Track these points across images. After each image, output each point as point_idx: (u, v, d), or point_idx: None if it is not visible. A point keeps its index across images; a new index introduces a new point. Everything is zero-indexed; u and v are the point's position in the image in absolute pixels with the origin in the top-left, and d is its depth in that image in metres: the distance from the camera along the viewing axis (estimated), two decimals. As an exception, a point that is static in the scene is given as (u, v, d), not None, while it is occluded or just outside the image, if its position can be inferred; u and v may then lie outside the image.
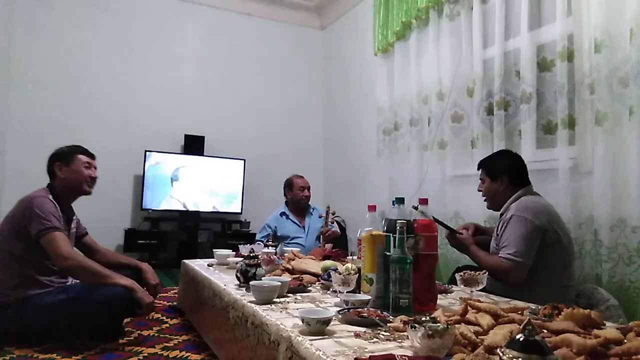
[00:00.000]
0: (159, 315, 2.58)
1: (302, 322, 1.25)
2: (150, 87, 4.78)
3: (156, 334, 2.25)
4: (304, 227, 3.61)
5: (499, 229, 2.12)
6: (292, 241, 3.47)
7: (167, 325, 2.43)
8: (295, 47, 5.56)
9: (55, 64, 4.41)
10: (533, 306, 1.43)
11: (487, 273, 1.67)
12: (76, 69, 4.49)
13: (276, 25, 5.45)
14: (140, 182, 4.49)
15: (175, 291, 2.98)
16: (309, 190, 3.65)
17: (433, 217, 1.69)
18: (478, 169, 2.34)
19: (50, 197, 2.18)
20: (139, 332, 2.26)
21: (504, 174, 2.19)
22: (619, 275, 2.15)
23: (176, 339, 2.20)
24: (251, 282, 1.67)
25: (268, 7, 5.40)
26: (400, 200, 1.63)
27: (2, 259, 2.12)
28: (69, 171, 2.26)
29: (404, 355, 0.98)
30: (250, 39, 5.31)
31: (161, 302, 2.85)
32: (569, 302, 1.98)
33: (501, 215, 2.19)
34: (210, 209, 4.81)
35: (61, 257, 2.04)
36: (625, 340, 0.96)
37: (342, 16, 5.26)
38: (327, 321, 1.25)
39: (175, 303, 2.83)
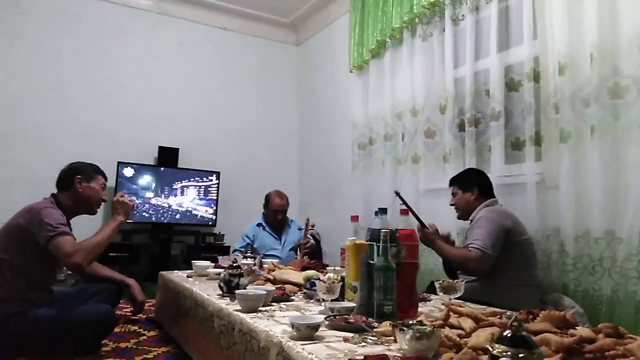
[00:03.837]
0: (136, 328, 2.54)
1: (292, 328, 1.28)
2: (124, 98, 4.73)
3: (134, 347, 2.22)
4: (280, 239, 3.64)
5: (468, 231, 2.35)
6: (269, 252, 3.49)
7: (145, 337, 2.39)
8: (271, 62, 5.62)
9: (28, 74, 4.31)
10: (509, 312, 1.51)
11: (464, 281, 1.77)
12: (50, 78, 4.40)
13: (252, 40, 5.51)
14: (112, 194, 4.40)
15: (151, 303, 2.94)
16: (283, 214, 3.68)
17: (409, 208, 1.81)
18: (450, 185, 2.56)
19: (56, 207, 2.18)
20: (116, 344, 2.22)
21: (474, 185, 2.44)
22: (584, 284, 2.27)
23: (155, 350, 2.17)
24: (237, 291, 1.69)
25: (244, 22, 5.45)
26: (383, 211, 1.70)
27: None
28: (88, 187, 2.28)
29: (396, 356, 1.03)
30: (225, 53, 5.34)
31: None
32: (534, 301, 2.16)
33: (471, 222, 2.40)
34: (183, 221, 4.77)
35: (68, 254, 2.02)
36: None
37: (317, 33, 5.37)
38: (316, 326, 1.29)
39: (152, 315, 2.79)
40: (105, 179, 2.40)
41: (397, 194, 2.16)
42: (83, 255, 2.05)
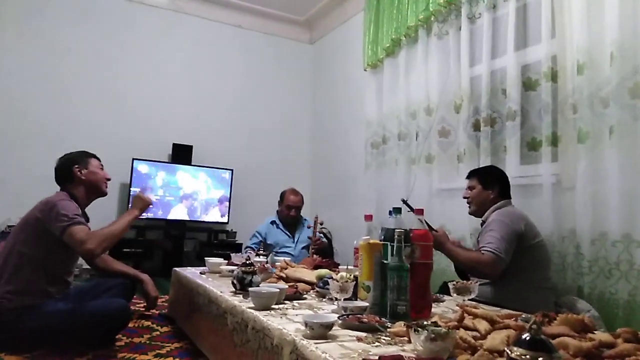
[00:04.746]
0: (149, 323, 2.56)
1: (306, 326, 1.28)
2: (139, 96, 4.78)
3: (147, 342, 2.23)
4: (293, 237, 3.65)
5: (480, 235, 2.28)
6: (281, 250, 3.50)
7: (158, 332, 2.41)
8: (285, 60, 5.63)
9: (44, 71, 4.38)
10: (524, 315, 1.49)
11: (477, 282, 1.75)
12: (65, 76, 4.47)
13: (266, 38, 5.52)
14: (126, 190, 4.46)
15: (164, 299, 2.96)
16: (297, 210, 3.69)
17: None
18: (468, 177, 2.50)
19: (71, 200, 2.22)
20: (130, 339, 2.24)
21: (496, 184, 2.38)
22: (600, 288, 2.23)
23: (168, 346, 2.19)
24: (250, 289, 1.70)
25: (258, 20, 5.47)
26: (397, 211, 1.69)
27: (17, 262, 2.10)
28: (89, 173, 2.33)
29: (411, 357, 1.03)
30: (239, 51, 5.36)
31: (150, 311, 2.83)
32: (548, 304, 2.13)
33: (482, 224, 2.35)
34: (196, 218, 4.80)
35: (81, 241, 2.05)
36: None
37: (331, 31, 5.36)
38: (330, 325, 1.28)
39: (165, 311, 2.82)
40: (98, 159, 2.43)
41: (404, 201, 2.11)
42: (97, 243, 2.09)
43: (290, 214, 3.65)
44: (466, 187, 2.48)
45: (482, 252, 2.12)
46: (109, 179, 2.42)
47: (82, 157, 2.36)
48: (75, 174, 2.30)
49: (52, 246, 2.11)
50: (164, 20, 4.97)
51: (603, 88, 2.28)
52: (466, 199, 2.47)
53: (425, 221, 2.16)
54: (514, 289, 2.13)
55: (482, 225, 2.36)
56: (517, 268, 2.14)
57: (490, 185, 2.38)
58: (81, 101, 4.52)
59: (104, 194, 2.41)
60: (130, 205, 2.44)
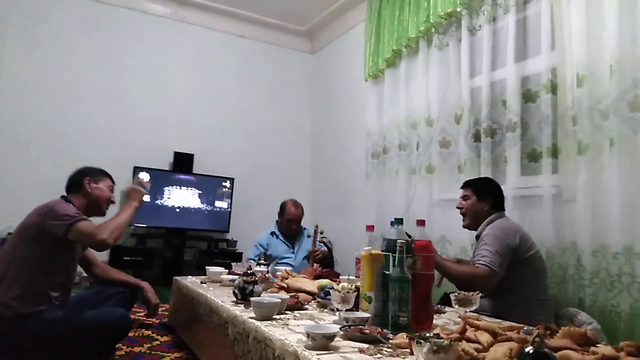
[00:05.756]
0: (149, 333, 2.56)
1: (307, 337, 1.28)
2: (141, 104, 4.79)
3: (147, 351, 2.23)
4: (293, 247, 3.64)
5: (475, 249, 2.28)
6: (282, 261, 3.49)
7: (158, 342, 2.41)
8: (286, 69, 5.66)
9: (46, 78, 4.40)
10: (526, 327, 1.49)
11: (479, 294, 1.75)
12: (67, 83, 4.48)
13: (267, 48, 5.56)
14: (127, 198, 4.45)
15: (164, 308, 2.95)
16: (297, 223, 3.68)
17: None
18: (463, 187, 2.50)
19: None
20: (130, 348, 2.23)
21: (490, 196, 2.38)
22: (601, 300, 2.23)
23: (168, 355, 2.18)
24: (252, 299, 1.70)
25: (260, 29, 5.51)
26: (399, 221, 1.69)
27: (17, 268, 2.08)
28: (97, 188, 2.34)
29: (414, 369, 1.03)
30: (241, 60, 5.40)
31: (151, 319, 2.82)
32: (546, 316, 2.12)
33: (477, 237, 2.36)
34: (197, 227, 4.79)
35: (92, 234, 2.06)
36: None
37: (333, 41, 5.40)
38: (332, 336, 1.28)
39: (165, 320, 2.81)
40: (113, 182, 2.45)
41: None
42: (108, 233, 2.09)
43: (291, 227, 3.64)
44: (460, 197, 2.48)
45: (476, 265, 2.12)
46: (113, 202, 2.42)
47: (97, 173, 2.39)
48: (84, 184, 2.31)
49: (51, 249, 2.10)
50: (167, 30, 5.00)
51: (602, 100, 2.30)
52: (460, 210, 2.46)
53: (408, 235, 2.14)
54: (513, 301, 2.13)
55: (476, 238, 2.36)
56: (514, 281, 2.14)
57: (484, 196, 2.38)
58: (83, 109, 4.53)
59: (103, 213, 2.40)
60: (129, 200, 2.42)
